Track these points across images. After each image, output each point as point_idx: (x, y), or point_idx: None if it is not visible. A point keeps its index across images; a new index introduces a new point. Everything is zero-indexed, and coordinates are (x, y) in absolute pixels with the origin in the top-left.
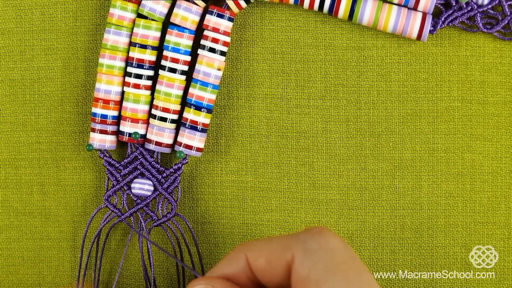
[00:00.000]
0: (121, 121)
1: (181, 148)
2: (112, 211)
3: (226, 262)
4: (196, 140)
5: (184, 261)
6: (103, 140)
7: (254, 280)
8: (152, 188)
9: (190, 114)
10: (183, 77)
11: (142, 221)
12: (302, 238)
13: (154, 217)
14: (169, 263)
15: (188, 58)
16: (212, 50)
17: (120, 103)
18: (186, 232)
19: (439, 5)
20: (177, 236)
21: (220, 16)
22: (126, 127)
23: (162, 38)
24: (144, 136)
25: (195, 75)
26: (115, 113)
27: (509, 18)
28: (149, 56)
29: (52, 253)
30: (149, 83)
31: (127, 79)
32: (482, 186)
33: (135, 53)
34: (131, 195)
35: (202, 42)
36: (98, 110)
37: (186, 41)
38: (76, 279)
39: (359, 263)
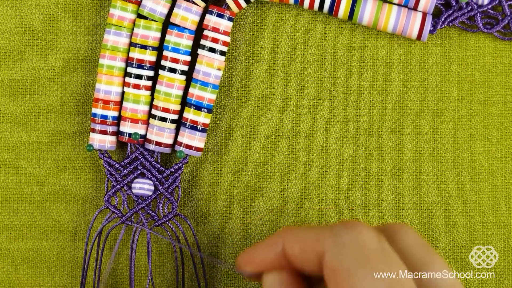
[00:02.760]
0: (121, 121)
1: (181, 148)
2: (113, 212)
3: (266, 245)
4: (196, 140)
5: (185, 261)
6: (103, 141)
7: (285, 264)
8: (152, 188)
9: (190, 114)
10: (183, 77)
11: (143, 220)
12: (335, 232)
13: (155, 217)
14: (168, 263)
15: (188, 58)
16: (212, 50)
17: (120, 104)
18: (187, 232)
19: (439, 5)
20: (178, 236)
21: (220, 16)
22: (126, 127)
23: (162, 38)
24: (144, 136)
25: (195, 75)
26: (115, 113)
27: (509, 18)
28: (149, 56)
29: (52, 253)
30: (149, 83)
31: (127, 79)
32: (482, 186)
33: (135, 54)
34: (132, 195)
35: (202, 42)
36: (98, 111)
37: (186, 41)
38: (79, 280)
39: (391, 255)
